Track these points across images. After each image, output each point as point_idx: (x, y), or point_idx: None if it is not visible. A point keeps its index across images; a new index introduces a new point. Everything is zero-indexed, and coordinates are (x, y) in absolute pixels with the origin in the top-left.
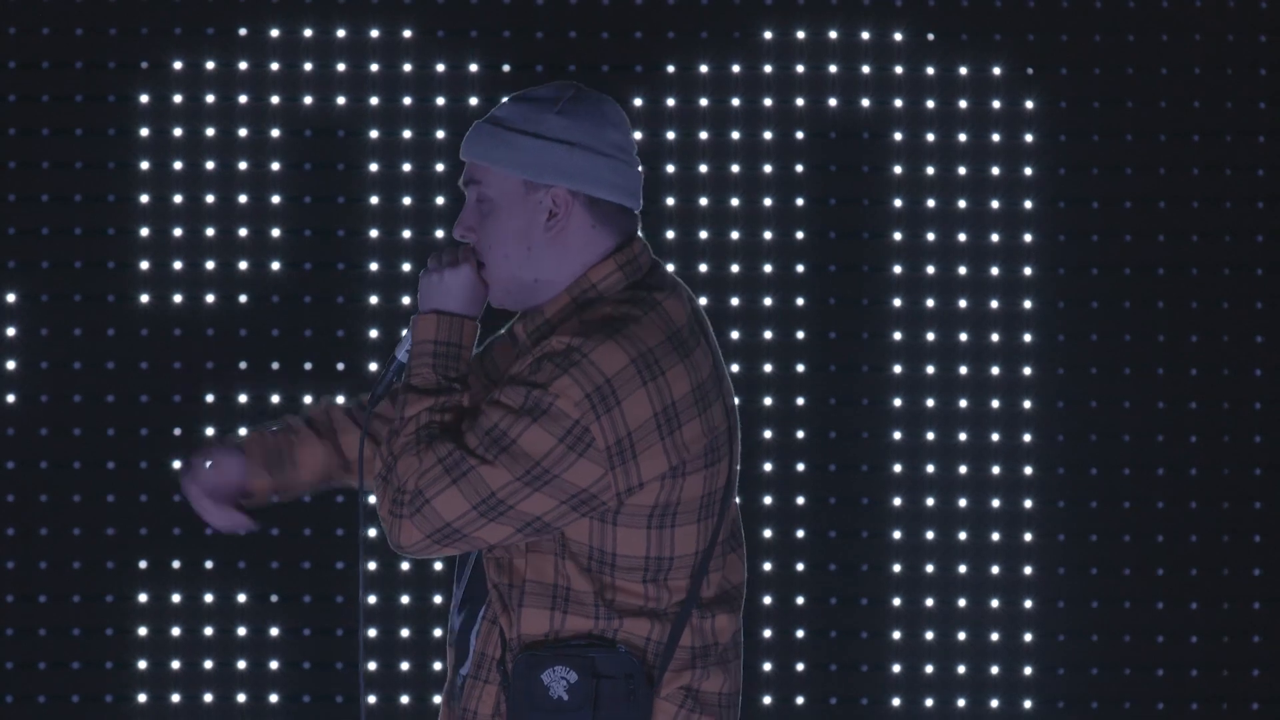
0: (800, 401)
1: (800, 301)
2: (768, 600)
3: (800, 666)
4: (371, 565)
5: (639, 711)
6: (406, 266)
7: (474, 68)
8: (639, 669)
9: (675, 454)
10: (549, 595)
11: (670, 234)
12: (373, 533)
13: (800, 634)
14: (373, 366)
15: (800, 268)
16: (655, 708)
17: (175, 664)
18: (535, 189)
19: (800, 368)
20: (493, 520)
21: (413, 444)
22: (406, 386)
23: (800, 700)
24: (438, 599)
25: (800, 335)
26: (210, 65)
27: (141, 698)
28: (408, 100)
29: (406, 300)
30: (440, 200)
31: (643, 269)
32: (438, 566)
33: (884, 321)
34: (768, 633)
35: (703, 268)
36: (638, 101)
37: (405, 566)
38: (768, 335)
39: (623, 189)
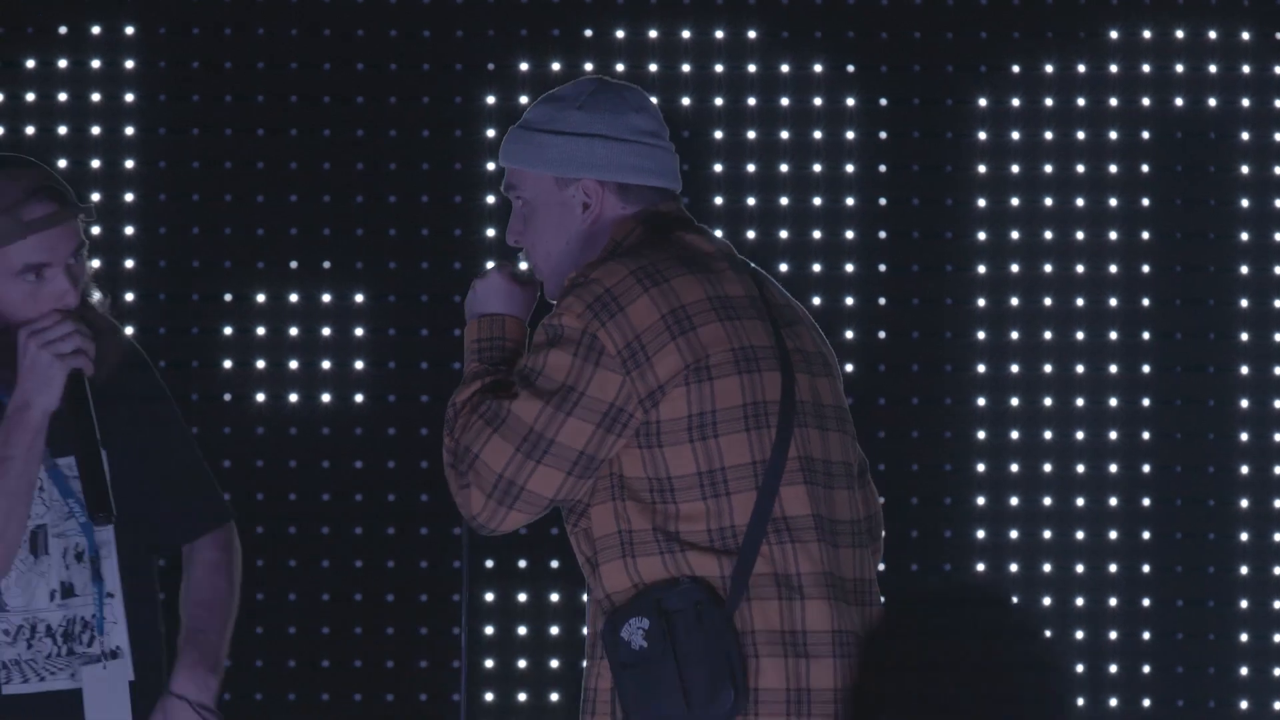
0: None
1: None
2: None
3: None
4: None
5: (714, 633)
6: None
7: (818, 68)
8: (705, 594)
9: (690, 353)
10: (617, 544)
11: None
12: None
13: None
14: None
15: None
16: (760, 668)
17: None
18: (566, 184)
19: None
20: (539, 462)
21: (467, 421)
22: (460, 386)
23: None
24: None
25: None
26: (556, 66)
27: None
28: (752, 101)
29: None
30: (784, 200)
31: (666, 218)
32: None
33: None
34: None
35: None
36: (982, 102)
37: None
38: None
39: (650, 170)
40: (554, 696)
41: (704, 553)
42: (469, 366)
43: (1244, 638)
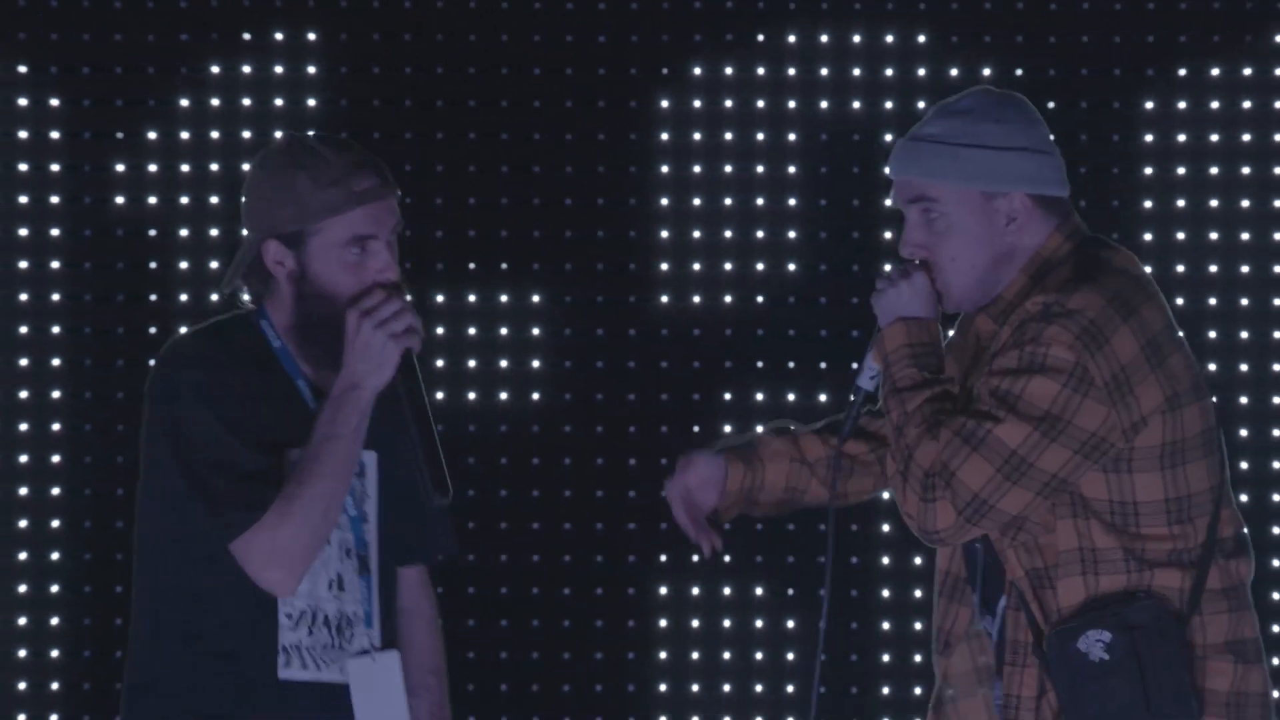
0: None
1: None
2: None
3: None
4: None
5: (1175, 646)
6: None
7: (987, 71)
8: (1165, 612)
9: (1167, 384)
10: (1078, 560)
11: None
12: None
13: None
14: None
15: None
16: (1209, 669)
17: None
18: (993, 198)
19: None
20: (1015, 484)
21: (924, 432)
22: (894, 390)
23: None
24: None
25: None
26: (729, 70)
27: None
28: (921, 104)
29: None
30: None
31: (1082, 233)
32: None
33: None
34: None
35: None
36: (1149, 105)
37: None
38: (1244, 335)
39: (1058, 180)
40: (725, 688)
41: (1168, 570)
42: (905, 373)
43: None
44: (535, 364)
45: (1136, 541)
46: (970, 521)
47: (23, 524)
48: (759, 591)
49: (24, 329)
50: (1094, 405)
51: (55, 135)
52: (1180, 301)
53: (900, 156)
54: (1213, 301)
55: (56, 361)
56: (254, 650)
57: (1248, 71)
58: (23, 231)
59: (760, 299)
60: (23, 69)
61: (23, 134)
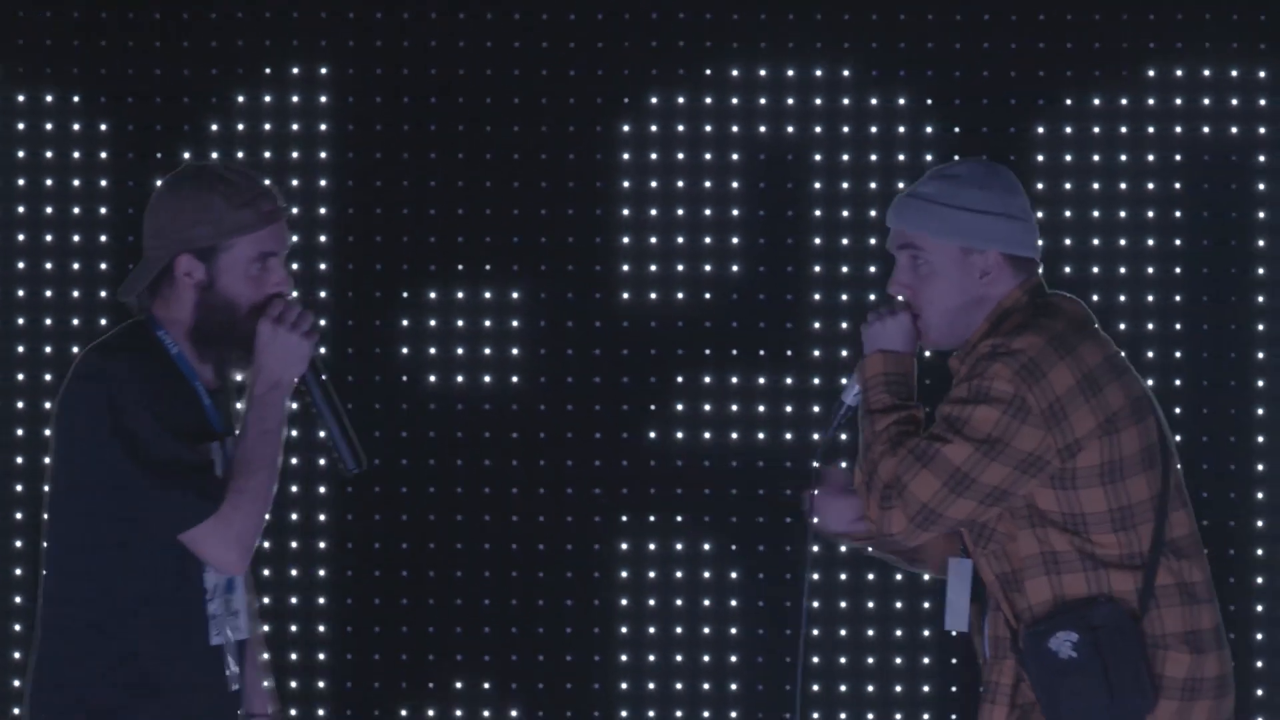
0: None
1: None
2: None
3: None
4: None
5: (1133, 641)
6: (845, 268)
7: (902, 101)
8: (1123, 612)
9: (1102, 412)
10: (1041, 563)
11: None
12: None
13: None
14: (815, 353)
15: None
16: (1168, 659)
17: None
18: (971, 253)
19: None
20: (960, 495)
21: (887, 449)
22: (868, 412)
23: None
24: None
25: None
26: (680, 100)
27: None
28: (845, 129)
29: (845, 297)
30: (873, 213)
31: (1041, 289)
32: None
33: None
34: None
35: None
36: (1040, 129)
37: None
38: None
39: (1033, 245)
40: (678, 629)
41: (1120, 570)
42: (879, 398)
43: None
44: (515, 351)
45: (1089, 544)
46: (920, 527)
47: None
48: (706, 546)
49: (76, 321)
50: (1031, 430)
51: (103, 155)
52: None
53: (897, 209)
54: (1095, 298)
55: None
56: (189, 621)
57: (1124, 101)
58: (75, 238)
59: (708, 296)
60: (76, 98)
61: (75, 154)
